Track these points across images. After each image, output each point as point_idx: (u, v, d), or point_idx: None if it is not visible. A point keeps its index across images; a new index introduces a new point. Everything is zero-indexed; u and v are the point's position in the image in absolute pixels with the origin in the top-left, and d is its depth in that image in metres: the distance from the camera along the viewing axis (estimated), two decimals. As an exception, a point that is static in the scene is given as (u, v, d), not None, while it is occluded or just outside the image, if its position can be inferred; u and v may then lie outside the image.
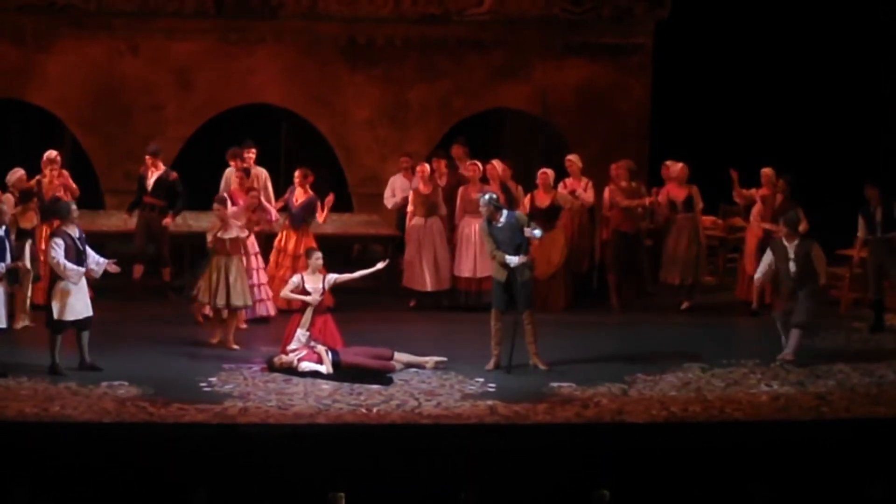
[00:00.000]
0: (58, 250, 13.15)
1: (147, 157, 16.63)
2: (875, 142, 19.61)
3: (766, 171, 16.53)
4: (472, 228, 16.33)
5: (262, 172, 16.70)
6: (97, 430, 11.73)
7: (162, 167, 16.57)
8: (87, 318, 13.36)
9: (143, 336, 14.72)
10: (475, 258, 16.33)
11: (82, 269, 13.17)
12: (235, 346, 14.35)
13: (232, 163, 16.20)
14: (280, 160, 21.02)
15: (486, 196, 13.98)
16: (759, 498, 10.75)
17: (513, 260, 13.61)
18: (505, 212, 13.85)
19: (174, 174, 16.60)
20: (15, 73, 18.99)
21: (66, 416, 11.95)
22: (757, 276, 14.38)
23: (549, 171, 16.51)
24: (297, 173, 16.17)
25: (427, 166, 16.73)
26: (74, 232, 13.39)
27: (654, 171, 18.22)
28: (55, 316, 13.22)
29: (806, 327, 13.86)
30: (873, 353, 14.68)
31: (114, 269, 13.54)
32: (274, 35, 19.37)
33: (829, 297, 16.15)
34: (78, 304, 13.27)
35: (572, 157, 17.19)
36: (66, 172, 16.02)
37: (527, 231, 13.66)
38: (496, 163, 16.66)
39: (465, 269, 16.45)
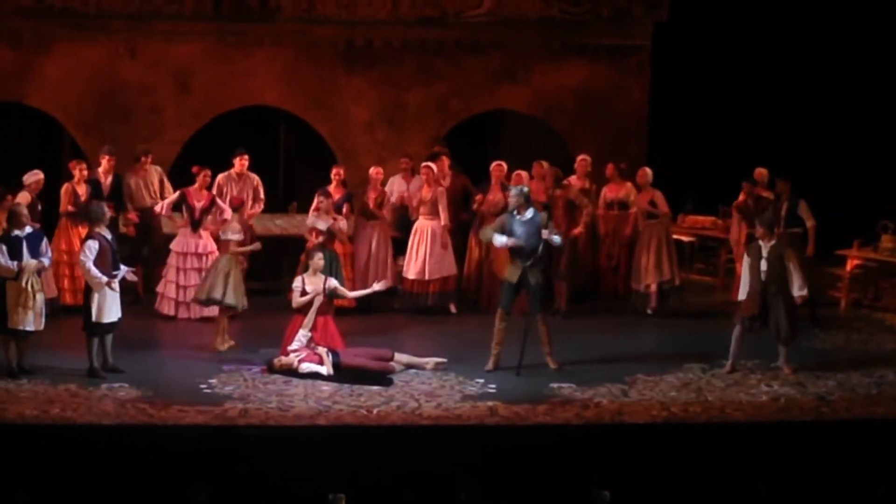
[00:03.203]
0: (89, 255, 13.05)
1: (104, 157, 16.29)
2: (873, 142, 19.61)
3: (761, 172, 16.49)
4: (423, 231, 16.28)
5: (254, 178, 16.67)
6: (97, 432, 11.73)
7: (112, 169, 16.28)
8: (119, 321, 13.35)
9: (143, 337, 14.68)
10: (425, 261, 16.21)
11: (105, 279, 13.05)
12: (232, 343, 14.32)
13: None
14: (279, 162, 21.04)
15: (519, 187, 14.03)
16: (761, 497, 10.76)
17: (500, 240, 13.61)
18: (531, 209, 13.83)
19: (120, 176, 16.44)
20: (13, 75, 18.94)
21: (66, 418, 11.95)
22: (741, 297, 13.85)
23: (503, 164, 16.39)
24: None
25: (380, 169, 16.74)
26: (108, 234, 13.34)
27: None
28: (93, 319, 13.16)
29: (791, 342, 13.77)
30: (873, 353, 14.69)
31: (131, 277, 13.47)
32: (272, 38, 19.34)
33: (829, 298, 16.13)
34: (114, 306, 13.23)
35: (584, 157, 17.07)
36: None
37: (544, 233, 13.62)
38: (503, 164, 16.59)
39: (412, 271, 16.26)
